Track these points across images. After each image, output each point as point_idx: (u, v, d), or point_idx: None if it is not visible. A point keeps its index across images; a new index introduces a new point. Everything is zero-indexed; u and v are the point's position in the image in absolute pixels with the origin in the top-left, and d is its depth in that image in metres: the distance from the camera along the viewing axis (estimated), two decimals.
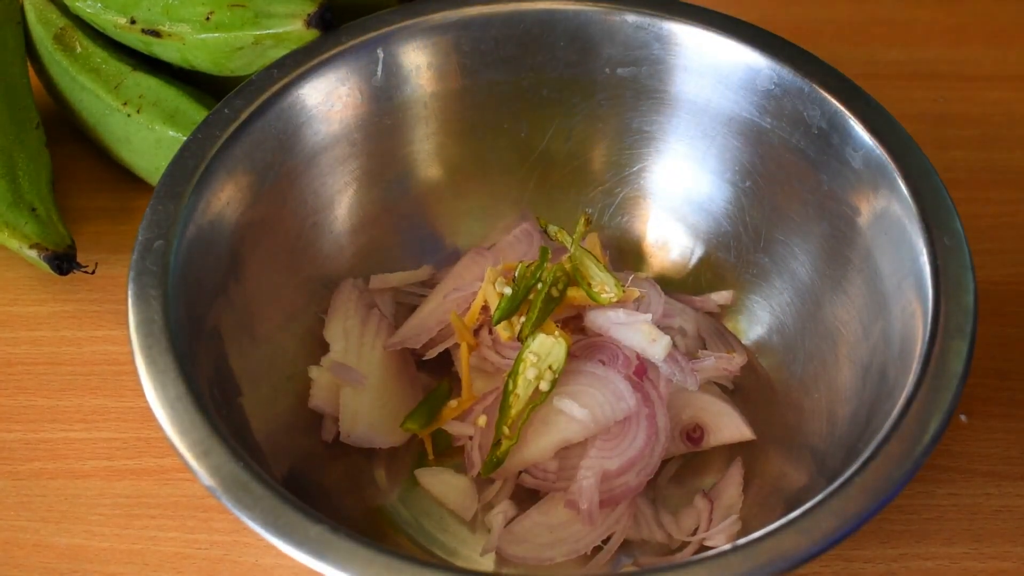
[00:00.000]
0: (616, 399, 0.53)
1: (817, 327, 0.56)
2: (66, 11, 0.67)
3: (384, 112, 0.59)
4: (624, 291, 0.55)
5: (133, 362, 0.46)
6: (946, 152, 0.71)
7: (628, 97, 0.60)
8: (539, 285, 0.55)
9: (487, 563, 0.52)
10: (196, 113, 0.63)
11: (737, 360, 0.57)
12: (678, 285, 0.61)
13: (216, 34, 0.59)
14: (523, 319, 0.54)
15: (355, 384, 0.56)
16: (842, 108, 0.54)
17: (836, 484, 0.43)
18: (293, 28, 0.58)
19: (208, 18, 0.59)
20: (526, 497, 0.54)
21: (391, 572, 0.40)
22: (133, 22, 0.62)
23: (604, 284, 0.55)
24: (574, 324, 0.56)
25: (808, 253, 0.57)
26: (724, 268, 0.61)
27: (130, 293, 0.48)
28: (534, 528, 0.52)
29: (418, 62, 0.59)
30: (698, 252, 0.61)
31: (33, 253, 0.61)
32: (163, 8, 0.60)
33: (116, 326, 0.62)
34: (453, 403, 0.55)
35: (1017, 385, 0.60)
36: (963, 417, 0.58)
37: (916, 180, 0.51)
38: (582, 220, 0.57)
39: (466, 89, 0.61)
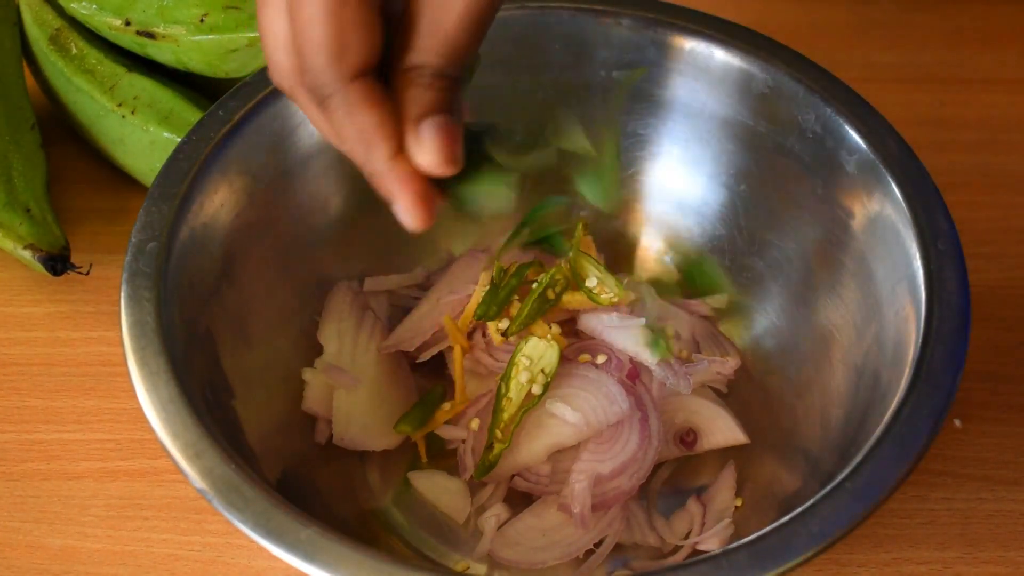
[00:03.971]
0: (609, 402, 0.53)
1: (811, 330, 0.55)
2: (62, 13, 0.67)
3: None
4: (624, 292, 0.55)
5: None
6: (943, 156, 0.71)
7: (623, 100, 0.60)
8: (534, 285, 0.55)
9: (479, 566, 0.52)
10: (190, 115, 0.63)
11: (731, 363, 0.57)
12: (672, 288, 0.61)
13: (210, 36, 0.59)
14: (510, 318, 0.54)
15: (349, 386, 0.55)
16: (836, 112, 0.54)
17: (829, 488, 0.43)
18: None
19: (202, 20, 0.59)
20: (519, 500, 0.54)
21: (381, 575, 0.40)
22: (128, 24, 0.62)
23: (604, 285, 0.55)
24: (568, 328, 0.56)
25: (802, 257, 0.57)
26: (718, 271, 0.60)
27: (123, 295, 0.48)
28: (527, 531, 0.52)
29: None
30: (692, 255, 0.61)
31: (27, 254, 0.61)
32: (157, 10, 0.60)
33: (111, 327, 0.62)
34: (446, 406, 0.55)
35: (1011, 389, 0.59)
36: (957, 422, 0.58)
37: (910, 184, 0.51)
38: (580, 226, 0.57)
39: None
